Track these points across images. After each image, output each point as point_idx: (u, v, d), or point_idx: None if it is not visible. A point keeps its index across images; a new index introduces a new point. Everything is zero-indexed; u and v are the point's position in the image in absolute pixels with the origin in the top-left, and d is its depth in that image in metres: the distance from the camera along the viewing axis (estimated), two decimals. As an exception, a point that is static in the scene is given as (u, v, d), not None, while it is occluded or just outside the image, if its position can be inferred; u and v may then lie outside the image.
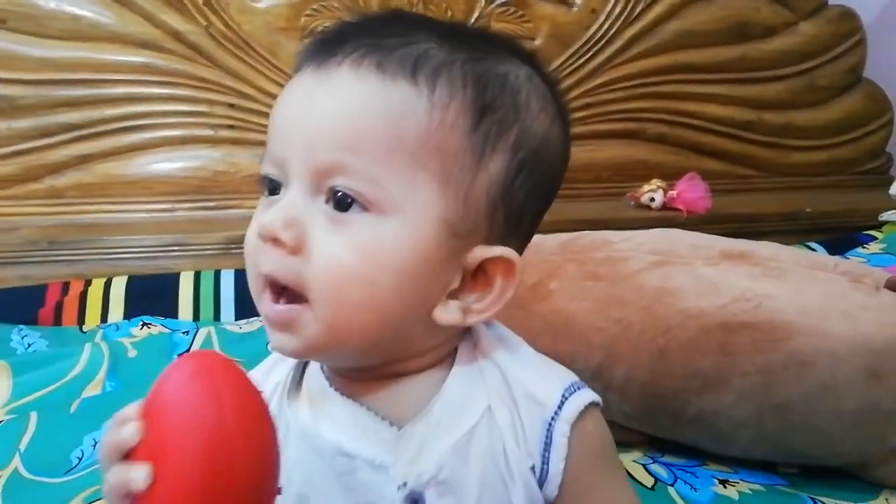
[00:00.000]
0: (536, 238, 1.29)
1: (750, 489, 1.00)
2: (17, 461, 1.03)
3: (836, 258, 1.15)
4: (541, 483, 0.52)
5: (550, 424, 0.51)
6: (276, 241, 0.47)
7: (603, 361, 1.04)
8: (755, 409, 0.97)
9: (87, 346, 1.29)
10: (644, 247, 1.14)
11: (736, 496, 0.98)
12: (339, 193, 0.47)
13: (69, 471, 1.02)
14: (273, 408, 0.53)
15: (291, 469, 0.52)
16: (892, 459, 0.99)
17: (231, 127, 1.68)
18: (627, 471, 1.03)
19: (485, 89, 0.49)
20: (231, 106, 1.67)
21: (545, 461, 0.51)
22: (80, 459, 1.05)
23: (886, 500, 0.99)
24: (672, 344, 1.01)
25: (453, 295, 0.50)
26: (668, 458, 1.07)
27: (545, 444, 0.51)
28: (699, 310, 1.01)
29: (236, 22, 1.65)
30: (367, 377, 0.53)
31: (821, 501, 0.97)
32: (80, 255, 1.56)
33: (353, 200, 0.47)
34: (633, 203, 1.85)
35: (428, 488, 0.50)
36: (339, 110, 0.47)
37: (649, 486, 1.01)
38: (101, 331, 1.40)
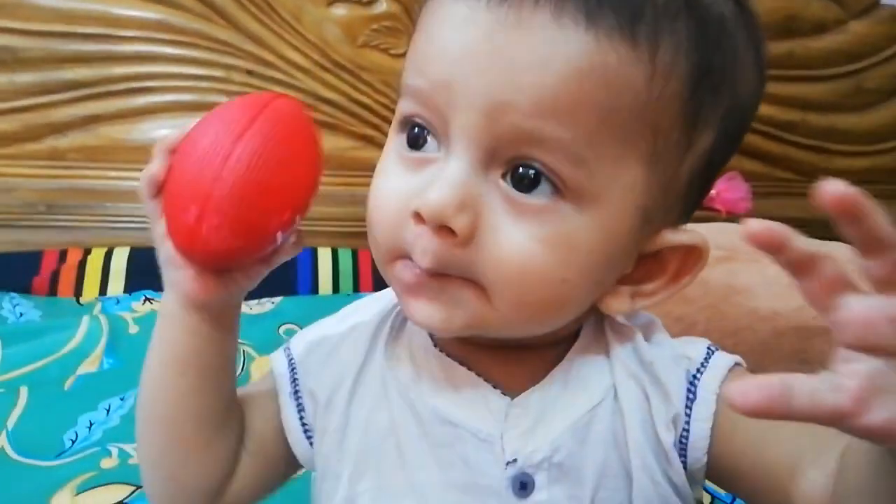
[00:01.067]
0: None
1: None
2: (2, 440, 0.94)
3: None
4: (683, 453, 0.45)
5: (695, 377, 0.46)
6: (444, 228, 0.39)
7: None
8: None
9: (85, 319, 1.20)
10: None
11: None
12: (531, 171, 0.39)
13: (61, 454, 0.94)
14: (362, 353, 0.49)
15: (386, 433, 0.47)
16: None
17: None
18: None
19: (707, 47, 0.41)
20: (249, 73, 1.57)
21: (688, 420, 0.45)
22: (74, 442, 0.96)
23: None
24: (741, 347, 0.91)
25: (624, 280, 0.45)
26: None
27: (688, 398, 0.45)
28: (772, 311, 0.93)
29: (260, -18, 1.56)
30: (480, 341, 0.46)
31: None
32: (80, 222, 1.48)
33: (544, 181, 0.40)
34: (669, 201, 1.77)
35: (539, 471, 0.44)
36: (544, 68, 0.38)
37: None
38: (100, 303, 1.32)
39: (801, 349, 0.90)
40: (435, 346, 0.48)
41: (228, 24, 1.55)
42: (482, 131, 0.39)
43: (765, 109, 1.85)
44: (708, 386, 0.46)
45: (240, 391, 0.54)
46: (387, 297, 0.52)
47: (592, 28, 0.38)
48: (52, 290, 1.36)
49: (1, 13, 1.47)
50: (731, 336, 0.93)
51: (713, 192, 1.72)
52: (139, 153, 1.54)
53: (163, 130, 1.57)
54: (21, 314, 1.25)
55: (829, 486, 0.38)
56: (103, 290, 1.37)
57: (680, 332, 0.94)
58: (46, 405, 1.01)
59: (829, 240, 1.51)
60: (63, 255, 1.42)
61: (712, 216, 1.71)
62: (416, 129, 0.42)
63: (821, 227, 1.52)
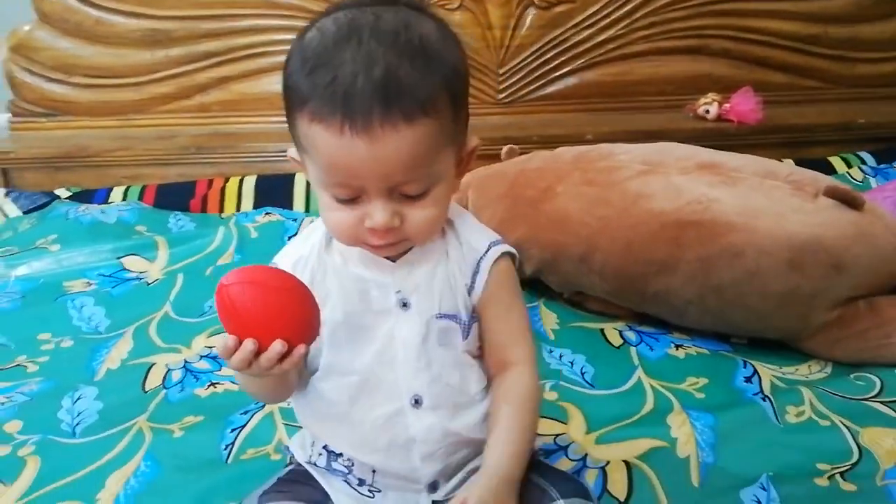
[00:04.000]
0: (558, 150, 1.57)
1: (697, 352, 1.27)
2: (167, 307, 1.46)
3: (795, 168, 1.34)
4: (470, 293, 0.79)
5: (479, 261, 0.79)
6: (391, 229, 0.70)
7: (587, 250, 1.32)
8: (697, 289, 1.23)
9: (221, 229, 1.71)
10: (638, 158, 1.39)
11: (682, 356, 1.26)
12: (411, 195, 0.70)
13: (201, 314, 1.44)
14: (314, 259, 0.79)
15: (334, 294, 0.78)
16: (817, 335, 1.22)
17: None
18: (604, 334, 1.33)
19: (453, 79, 0.70)
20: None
21: (473, 282, 0.79)
22: (210, 307, 1.46)
23: (809, 366, 1.23)
24: (637, 237, 1.27)
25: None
26: (642, 328, 1.35)
27: (474, 271, 0.79)
28: (661, 210, 1.26)
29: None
30: None
31: (752, 365, 1.23)
32: (221, 159, 1.98)
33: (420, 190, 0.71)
34: (690, 115, 2.03)
35: (412, 294, 0.77)
36: (397, 156, 0.66)
37: (616, 345, 1.30)
38: (235, 217, 1.81)
39: (676, 237, 1.23)
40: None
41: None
42: (382, 188, 0.68)
43: (787, 26, 2.09)
44: (484, 266, 0.79)
45: None
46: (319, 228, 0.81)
47: (410, 123, 0.65)
48: (203, 209, 1.87)
49: (156, 5, 1.97)
50: (632, 228, 1.27)
51: (727, 104, 1.99)
52: (261, 103, 2.03)
53: (277, 85, 2.03)
54: (181, 226, 1.78)
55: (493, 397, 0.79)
56: (238, 207, 1.87)
57: (600, 227, 1.31)
58: (195, 285, 1.53)
59: (838, 143, 1.90)
60: (210, 183, 1.93)
61: (723, 128, 1.98)
62: (345, 198, 0.71)
63: (830, 132, 1.98)
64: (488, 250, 0.79)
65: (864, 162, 1.93)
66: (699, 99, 2.02)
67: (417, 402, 0.78)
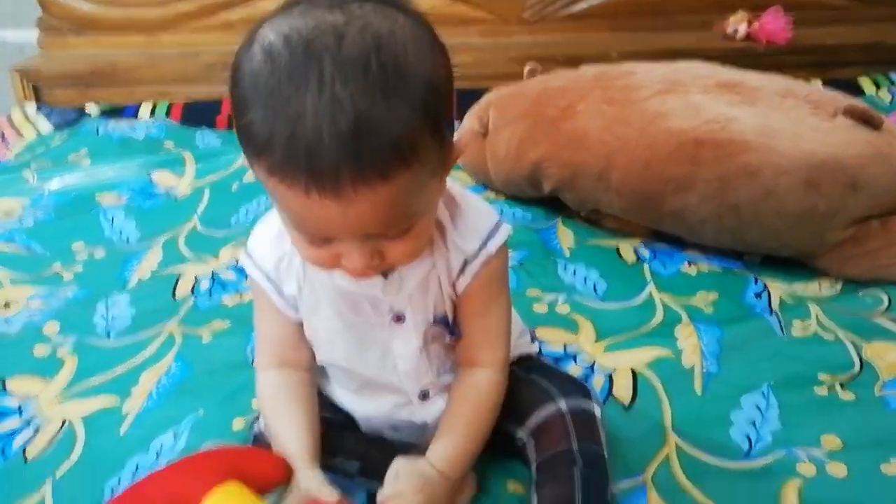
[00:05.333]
0: (580, 68, 1.57)
1: (709, 269, 1.29)
2: (195, 220, 1.51)
3: (815, 88, 1.33)
4: (455, 291, 0.76)
5: (465, 264, 0.74)
6: (370, 270, 0.64)
7: (605, 168, 1.33)
8: (714, 208, 1.25)
9: (247, 146, 1.75)
10: (659, 77, 1.39)
11: (695, 273, 1.29)
12: (391, 237, 0.63)
13: (229, 227, 1.48)
14: (298, 264, 0.75)
15: (325, 304, 0.75)
16: (831, 253, 1.23)
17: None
18: (619, 252, 1.36)
19: (435, 100, 0.59)
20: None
21: (457, 282, 0.75)
22: (236, 221, 1.50)
23: (820, 284, 1.25)
24: (655, 155, 1.28)
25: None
26: (657, 246, 1.37)
27: (459, 272, 0.75)
28: (679, 129, 1.27)
29: None
30: None
31: (763, 282, 1.25)
32: (249, 76, 2.00)
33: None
34: (719, 34, 2.00)
35: (406, 307, 0.74)
36: (373, 213, 0.59)
37: (630, 262, 1.33)
38: (260, 135, 1.85)
39: (694, 155, 1.24)
40: None
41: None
42: (357, 236, 0.61)
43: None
44: (469, 270, 0.74)
45: (271, 330, 0.80)
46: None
47: (384, 180, 0.56)
48: (229, 126, 1.89)
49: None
50: (650, 147, 1.28)
51: (756, 24, 1.96)
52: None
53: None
54: (208, 143, 1.81)
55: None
56: (263, 125, 1.91)
57: (619, 146, 1.33)
58: (221, 200, 1.57)
59: (865, 64, 1.89)
60: (236, 101, 1.96)
61: (752, 48, 1.95)
62: (317, 241, 0.63)
63: (857, 53, 1.96)
64: (478, 253, 0.74)
65: (892, 83, 1.90)
66: (728, 18, 1.99)
67: (425, 396, 0.81)
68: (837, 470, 0.85)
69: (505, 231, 0.76)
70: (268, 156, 0.56)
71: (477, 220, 0.75)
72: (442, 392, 0.81)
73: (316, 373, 0.83)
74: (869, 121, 1.20)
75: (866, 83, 1.90)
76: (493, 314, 0.78)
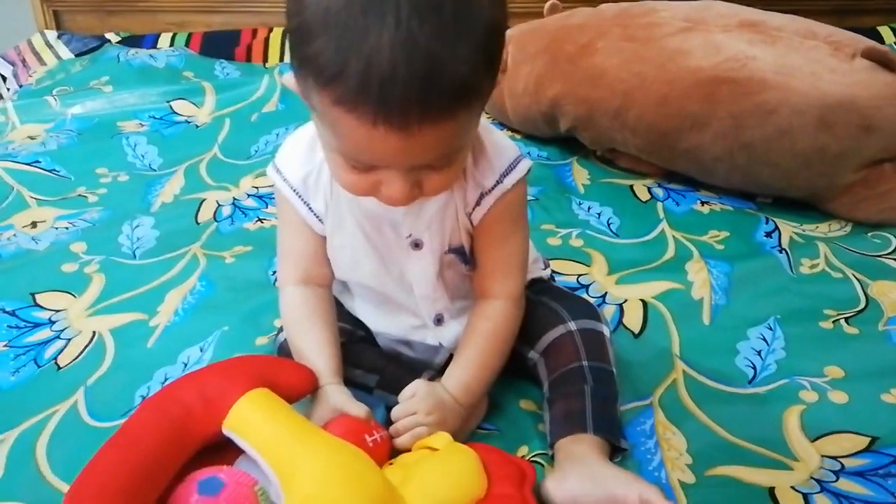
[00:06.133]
0: (601, 6, 1.57)
1: (721, 209, 1.32)
2: (216, 149, 1.53)
3: (835, 29, 1.32)
4: (471, 222, 0.79)
5: (481, 197, 0.77)
6: (408, 199, 0.66)
7: (622, 105, 1.35)
8: (728, 146, 1.26)
9: (266, 78, 1.76)
10: (681, 15, 1.38)
11: (707, 212, 1.31)
12: (435, 167, 0.65)
13: (248, 157, 1.51)
14: (325, 181, 0.77)
15: (349, 222, 0.78)
16: (842, 195, 1.25)
17: None
18: (633, 190, 1.38)
19: (496, 38, 0.62)
20: None
21: (473, 213, 0.78)
22: (256, 151, 1.53)
23: (829, 225, 1.27)
24: (673, 92, 1.29)
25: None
26: (671, 185, 1.39)
27: (476, 204, 0.77)
28: (698, 67, 1.28)
29: None
30: None
31: (773, 221, 1.27)
32: (265, 8, 2.00)
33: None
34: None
35: (423, 234, 0.78)
36: (432, 146, 0.62)
37: (644, 200, 1.35)
38: (279, 67, 1.86)
39: (710, 93, 1.25)
40: None
41: None
42: (404, 167, 0.64)
43: None
44: (485, 202, 0.77)
45: (297, 248, 0.82)
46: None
47: (452, 118, 0.59)
48: (248, 57, 1.92)
49: None
50: (667, 84, 1.29)
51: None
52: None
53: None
54: (227, 73, 1.83)
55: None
56: (281, 58, 1.91)
57: (637, 83, 1.34)
58: (241, 130, 1.60)
59: (888, 12, 1.89)
60: (254, 33, 1.96)
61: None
62: (362, 167, 0.65)
63: None
64: (494, 187, 0.76)
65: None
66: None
67: (440, 321, 0.84)
68: (839, 397, 0.88)
69: (524, 166, 0.78)
70: (338, 86, 0.57)
71: (495, 154, 0.77)
72: (456, 317, 0.84)
73: (336, 288, 0.86)
74: (888, 63, 1.21)
75: (886, 32, 1.89)
76: (508, 246, 0.81)
